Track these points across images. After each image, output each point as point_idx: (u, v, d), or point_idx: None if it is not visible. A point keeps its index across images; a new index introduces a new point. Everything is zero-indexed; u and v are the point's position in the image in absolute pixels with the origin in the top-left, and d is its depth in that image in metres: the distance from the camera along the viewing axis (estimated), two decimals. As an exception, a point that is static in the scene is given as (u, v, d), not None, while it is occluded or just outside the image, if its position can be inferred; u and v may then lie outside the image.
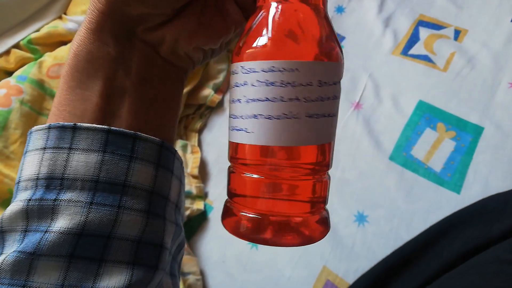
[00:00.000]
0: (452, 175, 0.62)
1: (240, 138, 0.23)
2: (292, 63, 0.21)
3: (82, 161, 0.21)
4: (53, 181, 0.21)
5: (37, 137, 0.22)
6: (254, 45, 0.22)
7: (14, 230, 0.21)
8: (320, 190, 0.24)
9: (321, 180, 0.24)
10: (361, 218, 0.62)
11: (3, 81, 0.63)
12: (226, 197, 0.25)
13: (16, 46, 0.68)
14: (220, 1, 0.25)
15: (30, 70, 0.64)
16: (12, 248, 0.20)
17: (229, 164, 0.26)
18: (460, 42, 0.75)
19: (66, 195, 0.20)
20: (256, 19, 0.23)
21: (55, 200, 0.20)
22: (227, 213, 0.24)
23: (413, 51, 0.76)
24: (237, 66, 0.23)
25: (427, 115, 0.69)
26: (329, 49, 0.23)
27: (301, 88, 0.21)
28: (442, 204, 0.60)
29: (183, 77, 0.26)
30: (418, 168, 0.64)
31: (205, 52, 0.27)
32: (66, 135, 0.21)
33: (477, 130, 0.65)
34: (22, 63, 0.68)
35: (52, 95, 0.64)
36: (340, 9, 0.86)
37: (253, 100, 0.22)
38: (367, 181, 0.65)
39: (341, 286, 0.57)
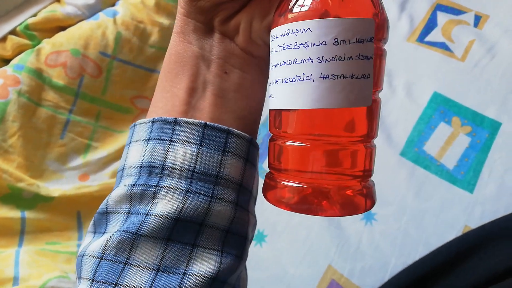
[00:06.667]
0: (466, 173, 0.60)
1: (271, 104, 0.24)
2: (303, 24, 0.21)
3: (181, 152, 0.23)
4: (155, 169, 0.23)
5: (141, 129, 0.24)
6: (280, 12, 0.23)
7: (118, 211, 0.23)
8: (363, 159, 0.24)
9: (367, 149, 0.24)
10: (369, 216, 0.60)
11: (-1, 70, 0.60)
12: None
13: (13, 32, 0.66)
14: None
15: (27, 58, 0.62)
16: (116, 227, 0.22)
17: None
18: (481, 29, 0.70)
19: (166, 182, 0.22)
20: None
21: (156, 186, 0.22)
22: (270, 185, 0.25)
23: (429, 38, 0.72)
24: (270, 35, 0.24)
25: (441, 108, 0.66)
26: (344, 4, 0.21)
27: (314, 48, 0.21)
28: (454, 203, 0.58)
29: (262, 67, 0.27)
30: (430, 165, 0.62)
31: None
32: (167, 128, 0.23)
33: (494, 126, 0.62)
34: (19, 50, 0.65)
35: (51, 85, 0.62)
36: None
37: (275, 65, 0.23)
38: (376, 177, 0.62)
39: (346, 286, 0.56)
